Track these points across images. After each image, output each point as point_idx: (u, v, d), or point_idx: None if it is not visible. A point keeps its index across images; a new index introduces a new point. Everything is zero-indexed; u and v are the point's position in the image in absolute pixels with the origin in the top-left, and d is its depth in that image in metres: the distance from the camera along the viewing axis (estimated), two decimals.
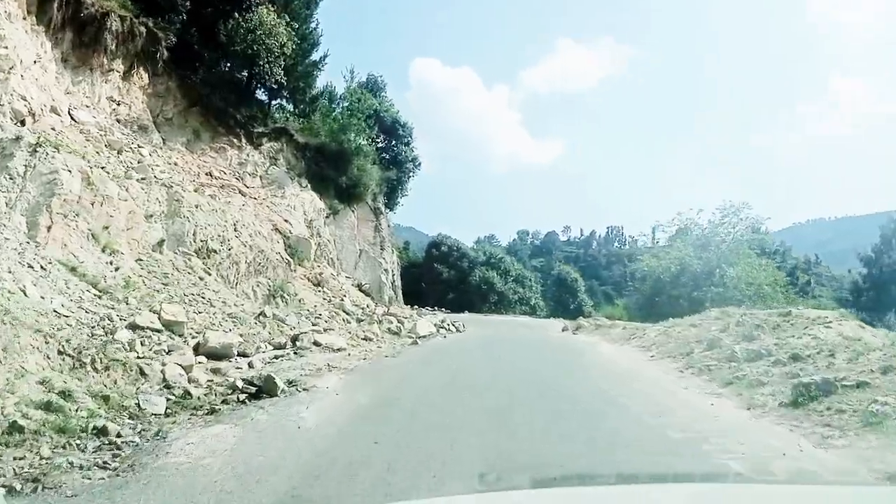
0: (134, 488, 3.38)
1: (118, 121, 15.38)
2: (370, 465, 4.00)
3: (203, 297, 11.05)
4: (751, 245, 24.79)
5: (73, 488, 3.31)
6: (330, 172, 22.39)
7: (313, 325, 12.21)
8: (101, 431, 4.26)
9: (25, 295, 7.40)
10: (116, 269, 10.15)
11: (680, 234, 26.60)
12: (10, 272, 7.65)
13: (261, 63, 18.67)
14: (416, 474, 3.91)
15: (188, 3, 17.40)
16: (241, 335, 9.53)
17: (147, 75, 16.71)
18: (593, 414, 6.15)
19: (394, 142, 31.65)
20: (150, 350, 7.47)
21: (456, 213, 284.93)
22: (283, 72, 19.38)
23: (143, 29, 15.80)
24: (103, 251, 10.26)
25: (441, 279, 39.32)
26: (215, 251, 13.35)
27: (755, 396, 6.61)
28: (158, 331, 8.29)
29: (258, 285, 14.30)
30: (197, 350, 8.09)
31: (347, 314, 15.25)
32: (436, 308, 27.47)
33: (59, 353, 5.23)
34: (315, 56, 22.53)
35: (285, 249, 17.12)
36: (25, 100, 11.69)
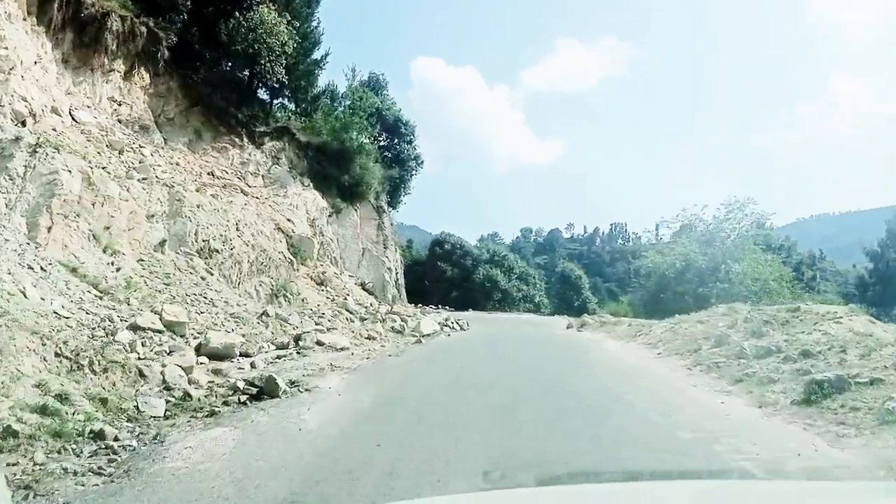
0: (128, 495, 3.28)
1: (119, 121, 15.32)
2: (372, 468, 3.90)
3: (205, 297, 10.98)
4: (756, 240, 24.61)
5: (65, 495, 3.22)
6: (332, 171, 22.32)
7: (316, 324, 12.13)
8: (98, 435, 4.17)
9: (25, 296, 7.33)
10: (118, 270, 10.09)
11: (684, 230, 26.41)
12: (9, 273, 7.58)
13: (262, 62, 18.60)
14: (420, 475, 3.84)
15: (189, 3, 17.34)
16: (243, 335, 9.45)
17: (148, 75, 16.65)
18: (598, 411, 6.03)
19: (396, 140, 31.55)
20: (151, 351, 7.39)
21: (459, 212, 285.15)
22: (284, 71, 19.31)
23: (143, 29, 15.73)
24: (104, 252, 10.19)
25: (444, 277, 39.20)
26: (217, 251, 13.28)
27: (766, 394, 6.48)
28: (160, 331, 8.21)
29: (261, 285, 14.24)
30: (199, 351, 8.01)
31: (351, 313, 15.16)
32: (439, 306, 27.37)
33: (57, 355, 5.15)
34: (316, 55, 22.50)
35: (288, 249, 17.06)
36: (26, 101, 11.64)
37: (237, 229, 14.58)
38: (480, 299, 37.52)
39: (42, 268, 8.51)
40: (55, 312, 7.32)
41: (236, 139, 19.09)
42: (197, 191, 14.61)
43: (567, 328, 19.52)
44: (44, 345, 5.14)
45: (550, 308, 42.52)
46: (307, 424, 4.98)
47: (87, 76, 14.62)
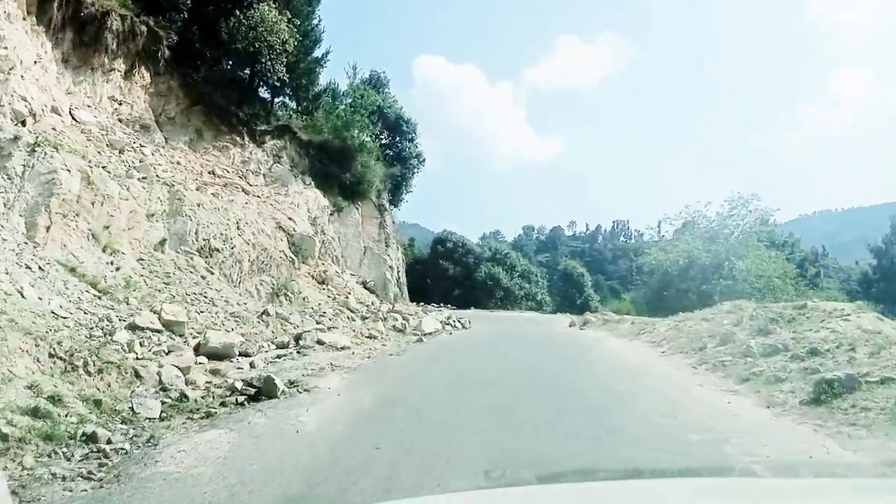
0: (117, 501, 3.18)
1: (120, 120, 15.25)
2: (371, 471, 3.80)
3: (205, 297, 10.90)
4: (760, 237, 24.41)
5: (52, 501, 3.13)
6: (334, 169, 22.22)
7: (317, 323, 12.04)
8: (91, 438, 4.08)
9: (23, 296, 7.26)
10: (117, 269, 10.01)
11: (687, 226, 26.24)
12: (7, 273, 7.51)
13: (263, 60, 18.51)
14: (419, 475, 3.77)
15: (189, 2, 17.27)
16: (243, 334, 9.37)
17: (149, 74, 16.58)
18: (601, 411, 5.91)
19: (398, 138, 31.44)
20: (150, 351, 7.31)
21: (461, 210, 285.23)
22: (285, 69, 19.21)
23: (144, 28, 15.66)
24: (104, 251, 10.12)
25: (446, 276, 39.12)
26: (218, 250, 13.20)
27: (774, 394, 6.35)
28: (158, 331, 8.13)
29: (261, 284, 14.15)
30: (198, 350, 7.93)
31: (352, 312, 15.07)
32: (441, 305, 27.26)
33: (51, 355, 5.06)
34: (317, 53, 22.41)
35: (289, 247, 16.98)
36: (26, 100, 11.57)
37: (238, 228, 14.50)
38: (482, 297, 37.41)
39: (40, 267, 8.44)
40: (53, 312, 7.24)
41: (237, 138, 19.01)
42: (197, 189, 14.53)
43: (569, 326, 19.40)
44: (37, 345, 5.05)
45: (552, 306, 42.41)
46: (305, 426, 4.88)
47: (88, 75, 14.55)
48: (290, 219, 18.56)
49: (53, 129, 11.99)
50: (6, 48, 11.38)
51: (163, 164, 14.72)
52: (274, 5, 18.85)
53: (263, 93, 21.24)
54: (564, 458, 4.26)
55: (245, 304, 12.07)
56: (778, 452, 4.36)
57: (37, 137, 10.38)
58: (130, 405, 4.95)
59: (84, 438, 4.06)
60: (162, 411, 5.02)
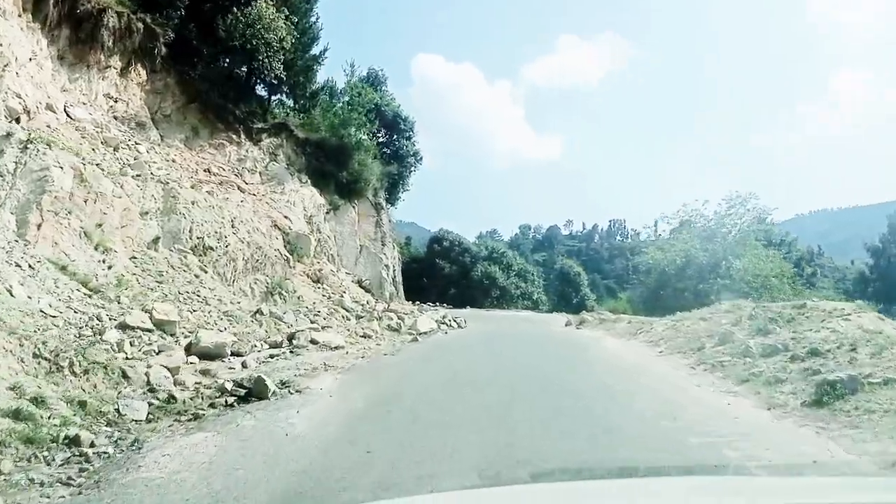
0: None
1: (115, 118, 15.10)
2: (362, 477, 3.69)
3: (198, 296, 10.77)
4: (757, 236, 24.33)
5: None
6: (330, 168, 22.10)
7: (311, 322, 11.91)
8: (74, 441, 3.96)
9: (12, 295, 7.13)
10: (109, 268, 9.88)
11: (684, 225, 26.15)
12: None
13: (260, 58, 18.37)
14: (412, 479, 3.68)
15: None
16: (235, 334, 9.24)
17: (145, 72, 16.43)
18: (596, 411, 5.81)
19: (395, 136, 31.32)
20: (140, 351, 7.18)
21: (458, 209, 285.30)
22: (282, 66, 19.08)
23: (140, 25, 15.50)
24: (96, 249, 9.99)
25: (443, 274, 38.98)
26: (212, 248, 13.07)
27: (774, 395, 6.25)
28: (149, 331, 8.01)
29: (256, 282, 14.02)
30: (189, 350, 7.80)
31: (347, 311, 14.94)
32: (437, 304, 27.13)
33: (35, 356, 4.94)
34: (315, 50, 22.28)
35: (284, 246, 16.85)
36: (20, 97, 11.44)
37: (233, 226, 14.37)
38: (479, 296, 37.29)
39: (30, 266, 8.31)
40: (42, 311, 7.12)
41: (234, 136, 18.87)
42: (192, 187, 14.39)
43: (566, 325, 19.28)
44: (21, 345, 4.93)
45: (549, 305, 42.32)
46: (295, 429, 4.75)
47: (83, 73, 14.40)
48: (285, 217, 18.43)
49: (48, 126, 11.84)
50: (1, 45, 11.24)
51: (158, 162, 14.57)
52: (271, 2, 18.72)
53: (260, 90, 21.11)
54: (560, 458, 4.20)
55: (239, 303, 11.95)
56: (781, 456, 4.25)
57: (29, 134, 10.25)
58: (116, 407, 4.83)
59: (66, 442, 3.94)
60: (148, 413, 4.89)
